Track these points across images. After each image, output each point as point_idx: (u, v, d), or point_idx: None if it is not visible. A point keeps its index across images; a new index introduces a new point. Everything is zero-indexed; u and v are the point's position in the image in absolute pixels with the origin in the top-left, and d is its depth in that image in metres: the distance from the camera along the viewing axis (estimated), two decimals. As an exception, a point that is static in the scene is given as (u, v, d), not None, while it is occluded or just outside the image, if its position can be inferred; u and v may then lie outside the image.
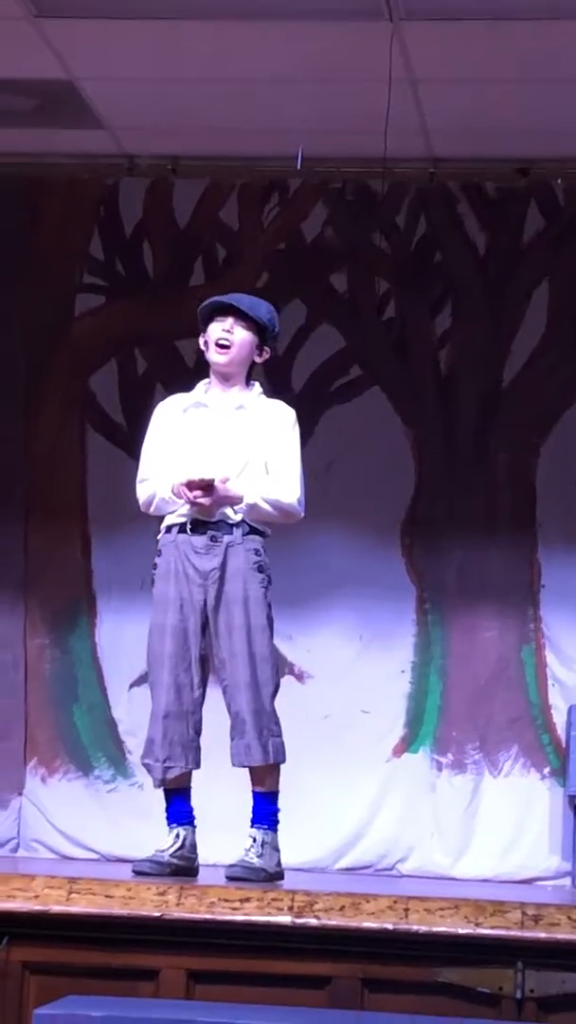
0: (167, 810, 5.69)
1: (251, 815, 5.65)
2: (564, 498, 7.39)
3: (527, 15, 6.20)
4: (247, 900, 4.89)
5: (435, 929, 4.81)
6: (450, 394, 7.53)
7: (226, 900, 4.89)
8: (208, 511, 5.57)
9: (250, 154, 7.51)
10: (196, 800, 6.75)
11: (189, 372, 7.62)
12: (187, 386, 7.54)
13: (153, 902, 4.91)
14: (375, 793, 7.30)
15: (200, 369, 7.61)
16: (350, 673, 7.38)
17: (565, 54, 6.44)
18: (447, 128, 7.17)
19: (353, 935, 4.83)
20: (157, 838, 6.18)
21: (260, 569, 5.63)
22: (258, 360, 5.79)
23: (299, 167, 7.09)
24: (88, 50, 6.64)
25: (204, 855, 5.92)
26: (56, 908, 4.95)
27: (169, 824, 5.67)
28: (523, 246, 7.55)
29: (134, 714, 7.40)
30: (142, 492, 5.75)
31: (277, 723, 5.63)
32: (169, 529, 5.66)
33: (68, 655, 7.52)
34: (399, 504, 7.46)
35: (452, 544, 7.43)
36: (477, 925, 4.81)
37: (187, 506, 5.59)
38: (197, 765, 5.63)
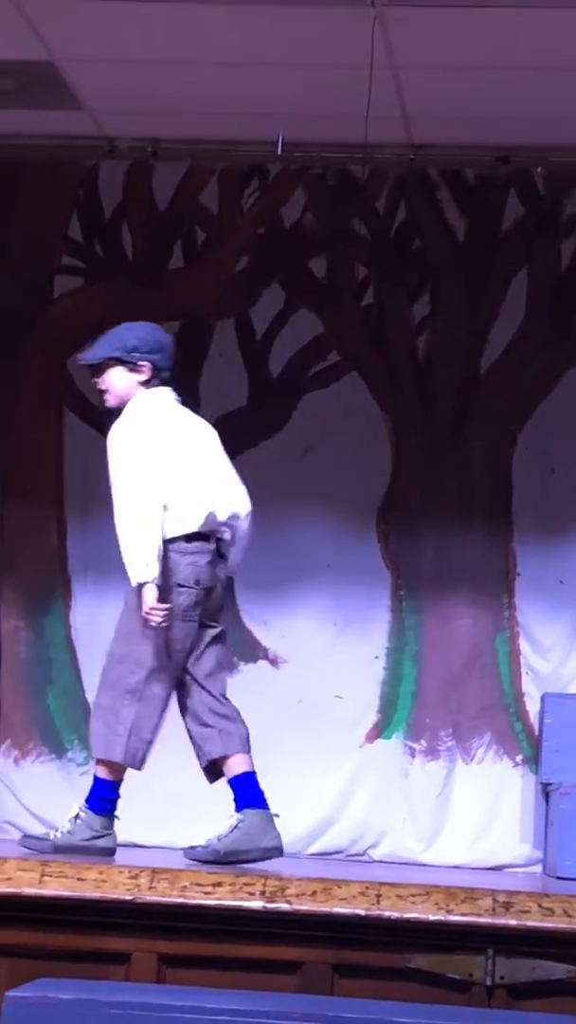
0: None
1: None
2: (540, 487, 7.40)
3: (510, 3, 6.19)
4: (219, 884, 4.91)
5: (406, 915, 4.84)
6: (427, 381, 7.53)
7: (198, 884, 4.91)
8: None
9: (231, 138, 7.50)
10: (168, 784, 6.77)
11: (167, 356, 7.65)
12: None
13: (125, 886, 4.93)
14: (348, 778, 7.31)
15: (178, 351, 7.64)
16: (324, 658, 7.38)
17: (546, 42, 6.43)
18: (428, 115, 7.16)
19: (324, 920, 4.85)
20: (129, 821, 6.21)
21: None
22: (140, 376, 5.97)
23: (280, 152, 7.08)
24: (69, 31, 6.61)
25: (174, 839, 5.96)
26: (28, 890, 4.96)
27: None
28: (502, 234, 7.55)
29: (108, 697, 7.41)
30: None
31: (120, 723, 5.81)
32: None
33: (43, 638, 7.51)
34: (375, 490, 7.46)
35: (427, 531, 7.43)
36: (448, 912, 4.83)
37: None
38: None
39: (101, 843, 5.81)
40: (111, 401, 6.00)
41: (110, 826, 5.89)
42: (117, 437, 5.87)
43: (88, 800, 5.91)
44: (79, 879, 4.97)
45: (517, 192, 7.55)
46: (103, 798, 5.90)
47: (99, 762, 5.92)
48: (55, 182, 7.71)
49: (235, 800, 5.79)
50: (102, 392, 6.02)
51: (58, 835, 5.84)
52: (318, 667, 7.36)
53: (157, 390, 5.99)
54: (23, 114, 7.39)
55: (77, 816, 5.87)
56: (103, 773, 5.90)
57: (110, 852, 5.82)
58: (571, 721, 7.05)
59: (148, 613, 5.70)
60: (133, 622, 5.78)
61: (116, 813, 5.92)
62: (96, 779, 5.93)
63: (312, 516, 7.40)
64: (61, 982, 4.29)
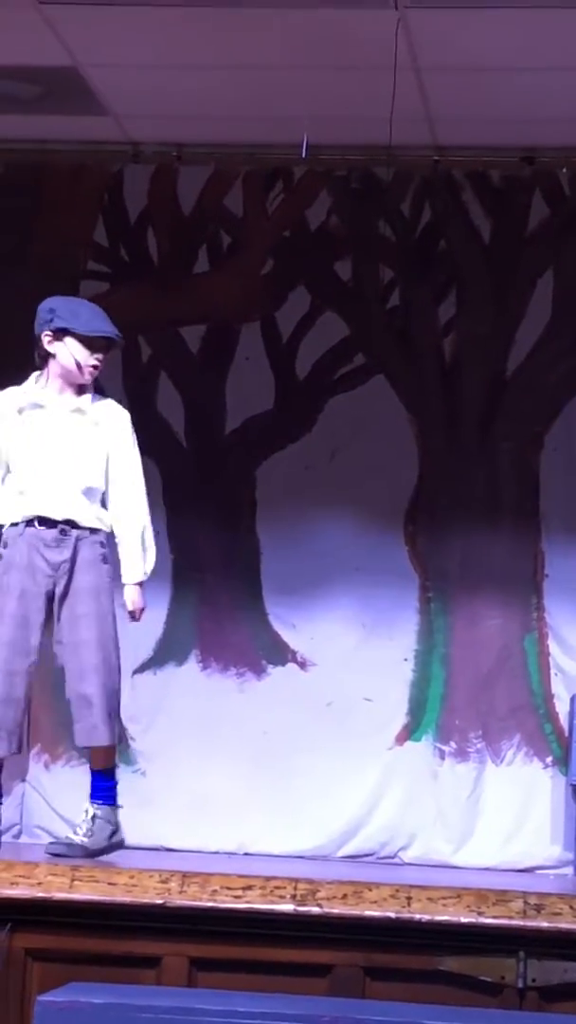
0: None
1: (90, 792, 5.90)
2: (567, 487, 7.38)
3: (533, 3, 6.18)
4: (249, 888, 4.91)
5: (437, 918, 4.83)
6: (454, 383, 7.52)
7: (228, 888, 4.91)
8: None
9: (255, 141, 7.50)
10: (197, 788, 6.77)
11: (192, 358, 7.66)
12: (187, 374, 7.62)
13: (156, 890, 4.93)
14: (377, 781, 7.30)
15: (204, 355, 7.66)
16: (353, 661, 7.38)
17: (570, 42, 6.42)
18: (452, 116, 7.16)
19: (355, 923, 4.85)
20: (159, 825, 6.25)
21: (105, 560, 5.86)
22: None
23: (304, 155, 7.07)
24: (92, 37, 6.63)
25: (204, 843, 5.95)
26: (59, 895, 4.96)
27: None
28: (528, 235, 7.54)
29: (138, 701, 7.41)
30: None
31: (118, 703, 5.87)
32: (15, 524, 5.85)
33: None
34: (402, 492, 7.45)
35: (455, 533, 7.42)
36: (479, 914, 4.82)
37: (32, 501, 5.83)
38: (19, 750, 5.91)
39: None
40: (90, 379, 5.97)
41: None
42: (128, 425, 5.96)
43: (99, 797, 5.88)
44: (109, 883, 4.97)
45: (542, 193, 7.53)
46: (112, 787, 5.90)
47: (96, 753, 5.89)
48: (80, 187, 7.72)
49: None
50: (95, 368, 5.95)
51: (85, 841, 5.82)
52: (347, 670, 7.36)
53: None
54: (47, 120, 7.41)
55: (94, 817, 5.85)
56: (106, 763, 5.89)
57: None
58: (601, 722, 7.04)
59: (142, 610, 5.83)
60: (97, 605, 5.80)
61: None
62: (98, 772, 5.89)
63: (339, 519, 7.40)
64: (92, 986, 4.30)
